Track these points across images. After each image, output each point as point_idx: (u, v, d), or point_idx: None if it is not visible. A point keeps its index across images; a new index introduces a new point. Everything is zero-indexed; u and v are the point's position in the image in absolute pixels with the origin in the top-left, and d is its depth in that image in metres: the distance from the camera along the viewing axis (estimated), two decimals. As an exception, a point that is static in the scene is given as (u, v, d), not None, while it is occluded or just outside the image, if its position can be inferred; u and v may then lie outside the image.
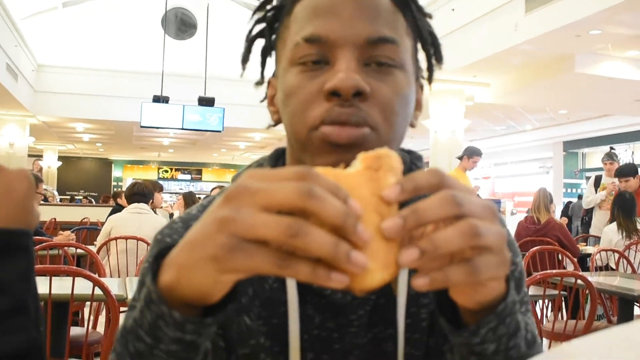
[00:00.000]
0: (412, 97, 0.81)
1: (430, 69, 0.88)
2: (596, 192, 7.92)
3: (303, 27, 0.77)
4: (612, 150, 8.12)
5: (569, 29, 8.00)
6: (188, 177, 30.56)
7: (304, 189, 0.48)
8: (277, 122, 0.88)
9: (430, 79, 0.89)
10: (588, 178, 8.23)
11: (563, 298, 4.52)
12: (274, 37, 0.87)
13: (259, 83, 0.91)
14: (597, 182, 7.98)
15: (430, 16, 0.86)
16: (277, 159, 0.92)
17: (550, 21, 8.12)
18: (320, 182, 0.50)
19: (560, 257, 5.73)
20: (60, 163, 24.57)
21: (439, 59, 0.87)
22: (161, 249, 0.62)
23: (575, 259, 5.31)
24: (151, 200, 5.74)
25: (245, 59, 0.89)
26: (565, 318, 4.43)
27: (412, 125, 0.84)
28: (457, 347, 0.69)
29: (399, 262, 0.52)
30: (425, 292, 0.84)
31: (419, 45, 0.86)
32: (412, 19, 0.82)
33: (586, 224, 8.54)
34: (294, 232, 0.47)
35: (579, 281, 3.72)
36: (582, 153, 19.74)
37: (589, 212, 8.19)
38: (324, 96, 0.75)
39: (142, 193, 5.49)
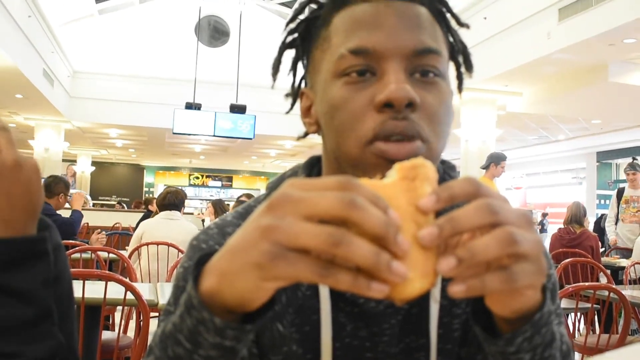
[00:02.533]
0: (451, 107, 0.81)
1: (460, 78, 0.89)
2: (618, 205, 7.79)
3: (347, 38, 0.77)
4: (635, 161, 7.97)
5: (602, 37, 7.91)
6: (219, 183, 30.72)
7: (347, 198, 0.49)
8: (313, 133, 0.88)
9: (460, 88, 0.89)
10: (622, 189, 8.09)
11: (596, 311, 4.46)
12: (306, 48, 0.86)
13: (290, 95, 0.91)
14: (620, 194, 7.83)
15: (467, 26, 0.86)
16: (312, 167, 0.92)
17: (584, 30, 8.03)
18: (361, 192, 0.50)
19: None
20: (93, 168, 24.89)
21: (469, 68, 0.87)
22: (202, 255, 0.62)
23: (609, 272, 5.24)
24: (183, 208, 5.82)
25: (276, 69, 0.89)
26: (597, 332, 4.36)
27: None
28: (491, 356, 0.69)
29: (437, 270, 0.52)
30: (458, 301, 0.84)
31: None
32: (447, 28, 0.83)
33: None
34: (337, 241, 0.48)
35: (613, 294, 3.66)
36: (616, 164, 19.44)
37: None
38: (374, 108, 0.75)
39: (174, 204, 5.54)
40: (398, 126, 0.74)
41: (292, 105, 0.92)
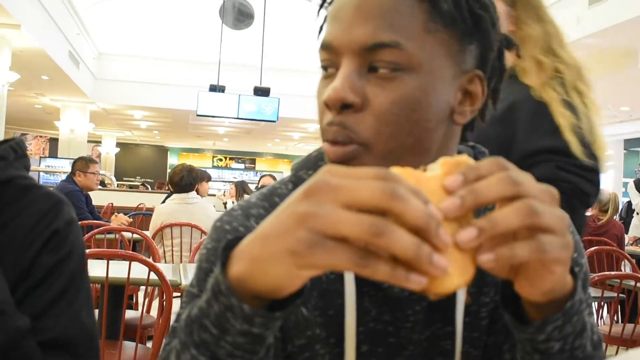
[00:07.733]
0: (433, 99, 0.74)
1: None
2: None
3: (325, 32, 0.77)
4: None
5: (633, 22, 7.80)
6: (242, 166, 30.87)
7: (388, 188, 0.48)
8: None
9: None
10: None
11: (620, 301, 4.41)
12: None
13: None
14: (638, 186, 7.85)
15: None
16: None
17: (614, 14, 7.92)
18: (401, 183, 0.49)
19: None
20: (118, 149, 25.11)
21: None
22: (230, 240, 0.61)
23: (634, 260, 5.19)
24: (196, 187, 5.43)
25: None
26: (622, 321, 4.32)
27: (457, 123, 0.78)
28: (520, 344, 0.68)
29: (457, 241, 0.51)
30: (486, 290, 0.83)
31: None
32: (452, 7, 0.73)
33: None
34: (379, 231, 0.47)
35: (639, 284, 3.61)
36: (644, 152, 19.20)
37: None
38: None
39: (190, 183, 5.17)
40: (329, 132, 0.73)
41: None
